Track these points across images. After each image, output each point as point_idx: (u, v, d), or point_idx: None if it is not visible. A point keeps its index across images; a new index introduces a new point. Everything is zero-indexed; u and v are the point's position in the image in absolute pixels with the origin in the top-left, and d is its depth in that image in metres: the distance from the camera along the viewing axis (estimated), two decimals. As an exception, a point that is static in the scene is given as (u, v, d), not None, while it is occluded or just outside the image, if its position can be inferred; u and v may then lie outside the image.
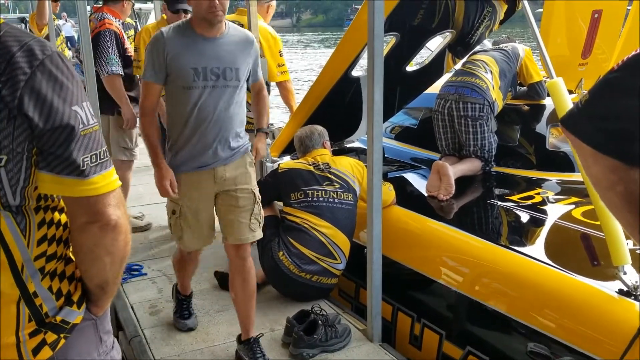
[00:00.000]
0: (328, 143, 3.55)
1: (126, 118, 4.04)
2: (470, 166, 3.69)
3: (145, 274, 3.59)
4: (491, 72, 3.75)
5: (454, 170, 3.47)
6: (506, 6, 3.96)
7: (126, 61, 4.05)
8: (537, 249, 2.74)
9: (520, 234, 3.06)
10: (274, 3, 4.03)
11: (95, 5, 4.62)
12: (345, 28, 4.57)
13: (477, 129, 3.67)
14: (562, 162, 3.70)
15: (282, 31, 51.15)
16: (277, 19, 61.22)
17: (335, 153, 3.81)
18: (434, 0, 3.58)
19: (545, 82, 3.65)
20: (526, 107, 4.05)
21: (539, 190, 3.44)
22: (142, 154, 4.89)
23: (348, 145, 4.84)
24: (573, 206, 3.11)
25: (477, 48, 4.12)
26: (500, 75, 3.77)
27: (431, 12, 3.64)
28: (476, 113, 3.65)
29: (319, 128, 3.54)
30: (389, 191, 3.30)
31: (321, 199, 3.20)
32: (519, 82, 4.03)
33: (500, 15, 3.97)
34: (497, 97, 3.73)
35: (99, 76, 3.86)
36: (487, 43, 4.43)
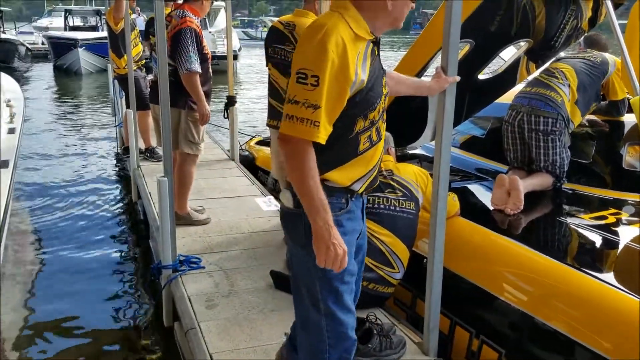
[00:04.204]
0: (392, 149, 3.49)
1: (201, 113, 4.13)
2: (541, 181, 3.55)
3: (203, 267, 3.63)
4: (569, 85, 3.58)
5: (524, 184, 3.35)
6: (591, 2, 3.68)
7: (202, 57, 4.13)
8: (607, 271, 2.61)
9: (590, 255, 2.92)
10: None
11: (175, 2, 4.72)
12: (411, 32, 4.48)
13: (548, 144, 3.53)
14: (638, 183, 3.52)
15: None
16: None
17: (398, 159, 3.75)
18: (512, 5, 3.46)
19: (628, 98, 3.47)
20: (603, 123, 3.87)
21: (612, 210, 3.27)
22: (206, 149, 4.99)
23: (410, 152, 4.76)
24: (649, 230, 2.95)
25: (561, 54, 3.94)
26: (579, 89, 3.58)
27: (509, 18, 3.52)
28: (548, 127, 3.51)
29: (385, 134, 3.47)
30: (453, 202, 3.22)
31: (382, 206, 3.15)
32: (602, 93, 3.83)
33: (587, 12, 3.72)
34: (573, 111, 3.57)
35: (174, 72, 3.95)
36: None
